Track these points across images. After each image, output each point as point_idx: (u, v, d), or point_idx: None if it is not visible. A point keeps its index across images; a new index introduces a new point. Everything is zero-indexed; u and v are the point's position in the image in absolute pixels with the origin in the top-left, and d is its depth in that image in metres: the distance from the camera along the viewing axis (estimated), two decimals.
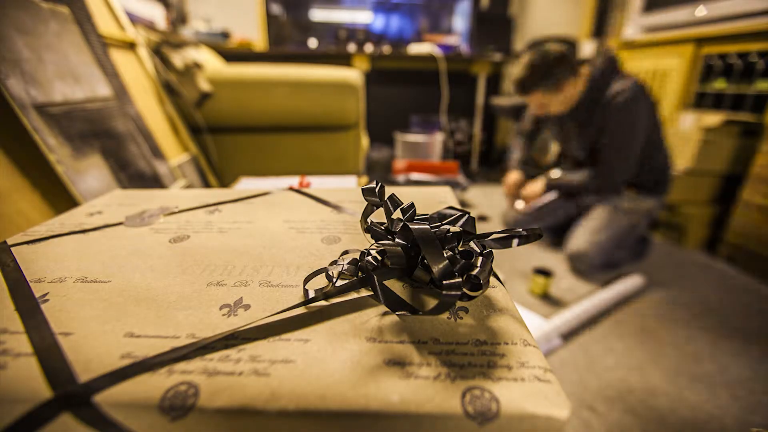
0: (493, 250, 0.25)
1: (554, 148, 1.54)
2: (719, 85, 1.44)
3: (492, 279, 0.23)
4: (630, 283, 1.13)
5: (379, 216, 0.33)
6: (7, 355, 0.17)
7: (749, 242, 1.25)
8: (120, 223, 0.32)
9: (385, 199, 0.23)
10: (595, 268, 1.19)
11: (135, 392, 0.15)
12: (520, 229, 0.20)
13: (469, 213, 0.22)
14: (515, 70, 1.18)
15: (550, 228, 1.44)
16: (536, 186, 1.31)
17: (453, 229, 0.22)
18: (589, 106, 1.16)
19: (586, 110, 1.18)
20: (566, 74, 1.12)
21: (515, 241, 0.20)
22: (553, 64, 1.11)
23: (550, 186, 1.29)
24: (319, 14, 2.56)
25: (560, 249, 1.37)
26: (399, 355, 0.17)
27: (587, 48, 2.23)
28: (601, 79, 1.14)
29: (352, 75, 1.16)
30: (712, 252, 1.39)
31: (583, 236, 1.22)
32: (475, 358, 0.17)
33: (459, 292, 0.17)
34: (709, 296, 1.12)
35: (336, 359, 0.17)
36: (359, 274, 0.23)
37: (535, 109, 1.24)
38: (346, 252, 0.26)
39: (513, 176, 1.43)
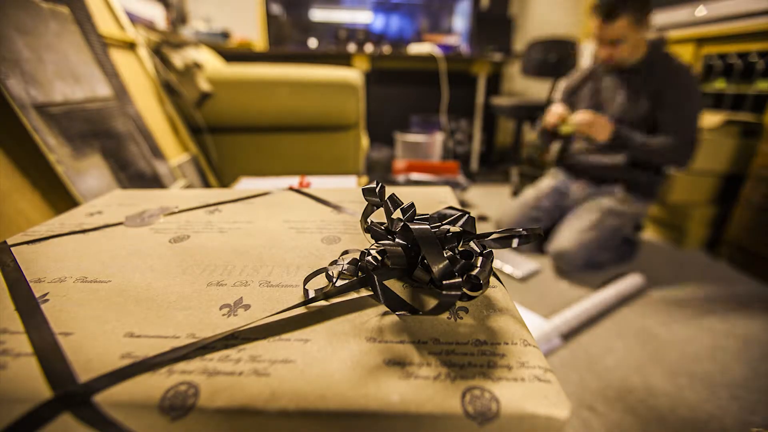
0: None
1: (555, 147, 1.48)
2: (719, 85, 1.44)
3: (492, 279, 0.23)
4: (630, 282, 1.13)
5: (378, 216, 0.33)
6: (7, 354, 0.17)
7: (749, 242, 1.25)
8: (120, 223, 0.32)
9: (386, 199, 0.23)
10: (578, 267, 1.18)
11: (135, 392, 0.15)
12: (520, 229, 0.20)
13: (469, 213, 0.22)
14: None
15: (544, 230, 1.41)
16: (603, 119, 1.13)
17: (453, 229, 0.22)
18: (647, 72, 1.10)
19: (643, 75, 1.11)
20: (650, 8, 1.04)
21: (515, 241, 0.20)
22: None
23: (619, 133, 1.11)
24: (319, 14, 2.56)
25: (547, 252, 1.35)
26: (399, 355, 0.17)
27: (587, 48, 2.23)
28: (662, 48, 1.10)
29: (352, 75, 1.16)
30: (712, 252, 1.39)
31: (567, 234, 1.20)
32: (475, 358, 0.17)
33: (459, 292, 0.17)
34: (709, 296, 1.12)
35: (336, 359, 0.17)
36: (359, 274, 0.23)
37: (603, 49, 1.12)
38: (346, 252, 0.26)
39: (558, 107, 1.25)
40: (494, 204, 1.91)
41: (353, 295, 0.21)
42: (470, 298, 0.20)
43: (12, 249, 0.27)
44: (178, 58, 1.06)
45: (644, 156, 1.13)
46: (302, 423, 0.14)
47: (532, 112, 2.00)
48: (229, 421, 0.15)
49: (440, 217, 0.23)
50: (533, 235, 0.20)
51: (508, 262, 1.24)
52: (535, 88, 2.42)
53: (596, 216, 1.19)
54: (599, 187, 1.27)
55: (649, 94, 1.11)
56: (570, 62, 1.95)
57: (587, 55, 2.21)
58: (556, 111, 1.24)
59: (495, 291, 0.22)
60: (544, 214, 1.36)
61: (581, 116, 1.15)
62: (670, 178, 1.28)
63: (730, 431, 0.69)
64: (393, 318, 0.19)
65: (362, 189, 0.24)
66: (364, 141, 1.43)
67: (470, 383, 0.15)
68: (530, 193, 1.40)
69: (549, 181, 1.39)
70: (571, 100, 1.32)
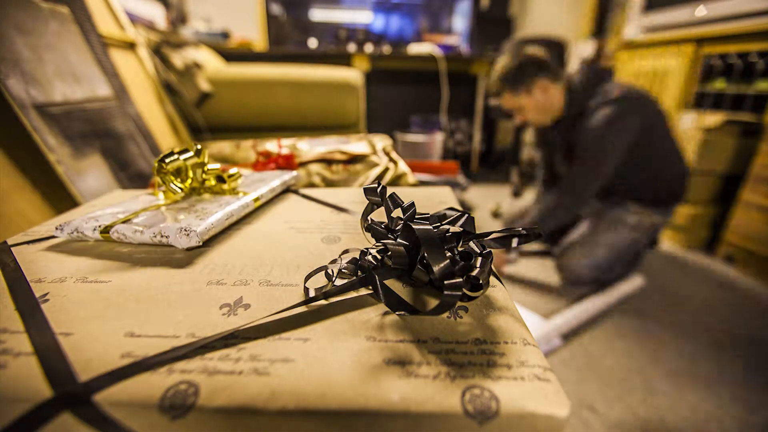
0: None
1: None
2: (719, 85, 1.44)
3: (492, 279, 0.23)
4: (630, 283, 1.13)
5: (377, 216, 0.33)
6: (8, 354, 0.17)
7: (749, 242, 1.25)
8: None
9: (386, 198, 0.23)
10: (585, 284, 1.14)
11: (135, 391, 0.15)
12: (520, 228, 0.20)
13: (468, 213, 0.22)
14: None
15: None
16: (498, 257, 1.19)
17: (453, 229, 0.22)
18: (573, 121, 1.08)
19: (570, 125, 1.09)
20: (536, 76, 1.04)
21: (515, 241, 0.20)
22: (520, 63, 1.04)
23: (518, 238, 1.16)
24: (319, 14, 2.56)
25: (552, 255, 1.31)
26: (399, 354, 0.17)
27: (587, 48, 2.23)
28: (582, 93, 1.06)
29: (352, 75, 1.16)
30: (712, 252, 1.39)
31: (579, 249, 1.14)
32: (474, 357, 0.17)
33: (460, 293, 0.17)
34: (709, 296, 1.12)
35: (336, 358, 0.17)
36: (359, 273, 0.23)
37: (515, 115, 1.16)
38: (346, 251, 0.26)
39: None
40: (494, 204, 1.91)
41: (353, 294, 0.21)
42: (470, 298, 0.20)
43: (12, 249, 0.27)
44: (178, 58, 1.06)
45: (557, 223, 1.11)
46: (302, 422, 0.15)
47: None
48: (228, 420, 0.15)
49: (440, 217, 0.23)
50: (533, 234, 0.20)
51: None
52: None
53: (610, 231, 1.12)
54: (611, 204, 1.18)
55: (571, 142, 1.11)
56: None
57: (587, 55, 2.21)
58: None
59: (495, 290, 0.22)
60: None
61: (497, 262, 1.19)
62: (687, 181, 1.14)
63: (729, 431, 0.69)
64: (393, 317, 0.19)
65: (364, 188, 0.24)
66: None
67: (470, 382, 0.15)
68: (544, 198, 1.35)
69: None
70: (546, 143, 1.31)
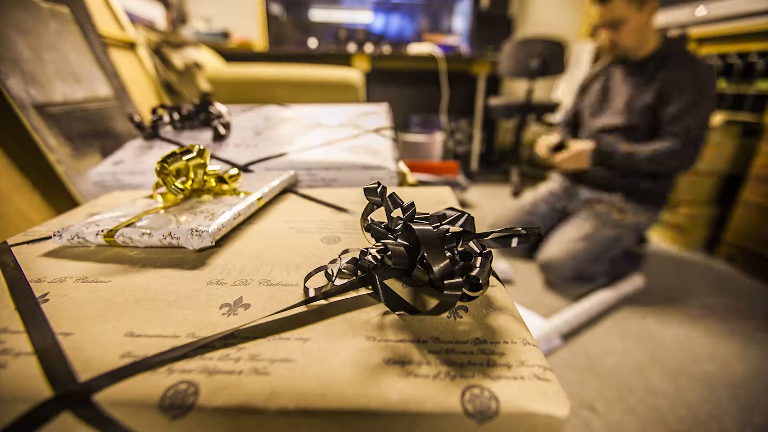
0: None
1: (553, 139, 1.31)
2: (719, 85, 1.44)
3: (491, 278, 0.23)
4: (630, 283, 1.13)
5: (376, 216, 0.33)
6: (8, 354, 0.17)
7: (749, 242, 1.25)
8: None
9: (386, 198, 0.23)
10: (566, 279, 1.10)
11: (135, 391, 0.15)
12: (520, 228, 0.20)
13: (468, 213, 0.22)
14: None
15: (539, 237, 1.34)
16: (577, 149, 1.10)
17: (453, 229, 0.22)
18: (656, 65, 1.03)
19: (652, 68, 1.04)
20: None
21: (514, 241, 0.20)
22: None
23: (602, 150, 1.08)
24: (319, 14, 2.56)
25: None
26: (399, 353, 0.17)
27: (587, 48, 2.23)
28: (679, 44, 1.02)
29: (352, 75, 1.16)
30: (712, 252, 1.39)
31: (557, 244, 1.13)
32: (474, 356, 0.17)
33: (459, 293, 0.17)
34: (708, 296, 1.12)
35: (336, 358, 0.17)
36: (358, 273, 0.23)
37: (603, 34, 1.06)
38: (346, 251, 0.26)
39: (547, 139, 1.23)
40: (495, 204, 1.91)
41: (353, 294, 0.21)
42: (470, 298, 0.20)
43: (12, 249, 0.27)
44: (178, 58, 1.06)
45: (637, 166, 1.06)
46: (302, 421, 0.15)
47: (524, 111, 1.99)
48: (229, 420, 0.15)
49: (440, 217, 0.23)
50: (532, 234, 0.20)
51: None
52: (536, 88, 2.42)
53: (589, 225, 1.12)
54: (599, 194, 1.18)
55: (655, 89, 1.03)
56: (557, 66, 1.87)
57: (586, 54, 2.21)
58: (544, 143, 1.22)
59: (494, 290, 0.22)
60: (540, 220, 1.29)
61: (558, 159, 1.15)
62: (676, 183, 1.17)
63: (730, 431, 0.69)
64: (393, 317, 0.19)
65: (364, 189, 0.24)
66: None
67: (470, 382, 0.15)
68: (528, 197, 1.35)
69: (547, 185, 1.34)
70: (582, 98, 1.27)
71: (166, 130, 0.55)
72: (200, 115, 0.55)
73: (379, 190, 0.23)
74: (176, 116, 0.54)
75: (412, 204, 0.23)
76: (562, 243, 1.12)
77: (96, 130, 0.65)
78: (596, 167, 1.11)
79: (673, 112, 1.01)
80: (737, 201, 1.28)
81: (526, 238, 0.20)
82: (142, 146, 0.51)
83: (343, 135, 0.52)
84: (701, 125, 1.00)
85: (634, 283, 1.14)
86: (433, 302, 0.21)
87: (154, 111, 0.54)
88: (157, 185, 0.34)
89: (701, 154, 1.04)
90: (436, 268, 0.18)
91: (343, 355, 0.17)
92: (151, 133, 0.52)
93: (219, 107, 0.55)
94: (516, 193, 2.00)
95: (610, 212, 1.12)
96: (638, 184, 1.11)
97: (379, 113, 0.62)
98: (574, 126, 1.32)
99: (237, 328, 0.18)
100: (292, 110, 0.63)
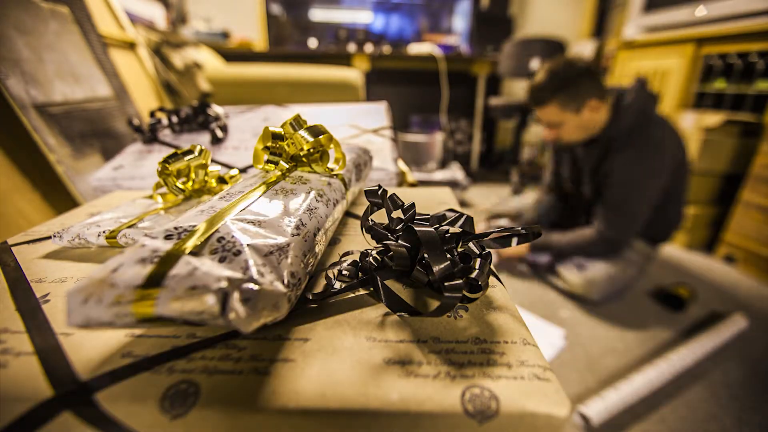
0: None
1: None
2: (719, 85, 1.44)
3: (491, 279, 0.23)
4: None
5: (375, 217, 0.33)
6: (8, 354, 0.17)
7: (749, 242, 1.25)
8: None
9: (386, 199, 0.23)
10: (607, 298, 1.08)
11: (136, 391, 0.15)
12: (519, 228, 0.20)
13: (467, 214, 0.22)
14: (535, 77, 1.00)
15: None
16: (518, 247, 1.13)
17: (452, 230, 0.22)
18: (605, 143, 1.01)
19: (605, 146, 1.01)
20: (590, 93, 0.94)
21: (514, 240, 0.20)
22: (578, 75, 0.94)
23: (534, 247, 1.13)
24: (319, 14, 2.56)
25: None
26: (399, 353, 0.17)
27: (587, 48, 2.23)
28: (629, 115, 0.97)
29: (352, 75, 1.16)
30: (712, 252, 1.39)
31: (569, 274, 1.08)
32: (474, 356, 0.17)
33: (460, 294, 0.17)
34: (708, 296, 1.12)
35: (336, 358, 0.17)
36: (359, 275, 0.23)
37: (545, 131, 1.06)
38: (347, 253, 0.26)
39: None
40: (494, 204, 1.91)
41: (353, 295, 0.21)
42: (470, 299, 0.20)
43: (12, 249, 0.27)
44: (178, 58, 1.06)
45: (568, 254, 1.09)
46: (302, 421, 0.15)
47: (524, 111, 1.99)
48: (229, 420, 0.15)
49: (439, 218, 0.23)
50: (532, 233, 0.20)
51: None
52: None
53: (612, 267, 1.06)
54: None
55: (607, 168, 1.01)
56: None
57: (586, 54, 2.21)
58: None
59: (494, 290, 0.22)
60: (546, 225, 1.32)
61: (503, 252, 1.19)
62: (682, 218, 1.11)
63: (730, 431, 0.69)
64: (393, 317, 0.19)
65: (365, 191, 0.24)
66: None
67: (470, 382, 0.15)
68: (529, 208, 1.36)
69: (535, 195, 1.35)
70: (557, 160, 1.27)
71: (165, 134, 0.55)
72: (198, 118, 0.55)
73: (379, 192, 0.23)
74: (174, 119, 0.54)
75: (413, 205, 0.23)
76: (595, 264, 1.06)
77: (96, 130, 0.65)
78: (533, 249, 1.16)
79: (605, 198, 1.02)
80: (737, 201, 1.28)
81: (526, 238, 0.20)
82: (141, 150, 0.51)
83: (342, 135, 0.52)
84: (628, 214, 0.99)
85: (738, 323, 0.98)
86: (432, 303, 0.21)
87: (152, 114, 0.54)
88: (158, 185, 0.34)
89: (631, 235, 1.03)
90: (436, 270, 0.18)
91: (343, 355, 0.17)
92: (149, 137, 0.52)
93: (217, 109, 0.55)
94: (516, 193, 2.00)
95: (632, 254, 1.09)
96: (650, 231, 1.09)
97: (379, 112, 0.62)
98: (558, 188, 1.32)
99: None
100: (290, 111, 0.63)
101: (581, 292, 1.05)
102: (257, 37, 2.41)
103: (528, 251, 1.16)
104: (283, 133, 0.27)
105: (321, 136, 0.26)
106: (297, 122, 0.26)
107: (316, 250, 0.21)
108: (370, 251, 0.22)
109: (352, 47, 2.27)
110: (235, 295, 0.14)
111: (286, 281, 0.17)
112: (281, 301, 0.16)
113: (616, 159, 0.98)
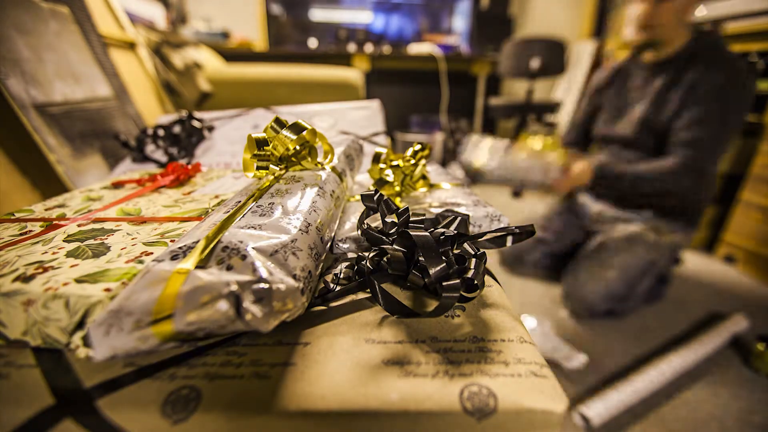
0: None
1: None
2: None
3: (487, 278, 0.23)
4: (735, 324, 0.94)
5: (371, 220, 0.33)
6: (11, 361, 0.17)
7: (749, 242, 1.25)
8: None
9: (381, 203, 0.23)
10: (597, 315, 0.97)
11: (137, 397, 0.15)
12: (514, 227, 0.20)
13: (461, 215, 0.22)
14: None
15: (553, 255, 1.17)
16: (580, 169, 0.95)
17: (447, 232, 0.22)
18: (683, 64, 0.92)
19: (679, 66, 0.92)
20: None
21: (509, 240, 0.20)
22: None
23: (601, 174, 0.95)
24: (319, 14, 2.56)
25: (558, 282, 1.13)
26: (397, 354, 0.17)
27: (587, 48, 2.23)
28: (710, 38, 0.90)
29: (352, 75, 1.16)
30: (712, 252, 1.39)
31: (586, 274, 0.97)
32: (472, 354, 0.17)
33: (457, 294, 0.17)
34: (708, 296, 1.12)
35: (335, 360, 0.17)
36: (356, 277, 0.23)
37: (641, 8, 0.92)
38: (344, 257, 0.26)
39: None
40: (495, 204, 1.91)
41: (351, 298, 0.21)
42: (467, 299, 0.21)
43: None
44: (178, 58, 1.06)
45: (639, 188, 0.94)
46: (303, 423, 0.15)
47: (524, 111, 1.99)
48: (230, 423, 0.15)
49: (433, 221, 0.23)
50: (525, 233, 0.20)
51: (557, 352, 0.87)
52: (536, 88, 2.42)
53: (626, 247, 0.96)
54: (623, 211, 1.04)
55: (679, 97, 0.91)
56: (557, 66, 1.87)
57: (586, 54, 2.21)
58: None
59: (490, 289, 0.22)
60: (553, 236, 1.15)
61: (556, 183, 0.98)
62: (712, 194, 1.02)
63: (730, 431, 0.70)
64: (391, 319, 0.19)
65: (361, 195, 0.24)
66: None
67: (468, 380, 0.15)
68: (539, 209, 1.21)
69: (557, 199, 1.21)
70: (597, 100, 1.13)
71: (151, 149, 0.54)
72: (181, 134, 0.54)
73: (375, 197, 0.23)
74: (161, 132, 0.53)
75: (407, 209, 0.23)
76: (592, 272, 0.97)
77: (96, 130, 0.65)
78: (594, 186, 0.99)
79: (686, 121, 0.90)
80: (737, 201, 1.28)
81: (520, 237, 0.20)
82: (131, 169, 0.50)
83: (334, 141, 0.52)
84: (716, 137, 0.88)
85: (739, 324, 0.94)
86: (430, 304, 0.21)
87: (143, 131, 0.53)
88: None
89: (713, 167, 0.92)
90: (432, 272, 0.18)
91: (342, 357, 0.17)
92: (138, 155, 0.51)
93: (198, 122, 0.55)
94: (516, 194, 2.00)
95: (644, 233, 0.97)
96: (670, 200, 0.98)
97: (373, 113, 0.61)
98: (584, 135, 1.19)
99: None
100: (281, 114, 0.62)
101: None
102: (257, 37, 2.41)
103: (591, 178, 0.96)
104: (266, 137, 0.26)
105: (304, 132, 0.26)
106: (278, 123, 0.26)
107: (323, 240, 0.22)
108: (366, 255, 0.22)
109: (352, 47, 2.27)
110: (248, 297, 0.14)
111: (296, 275, 0.17)
112: (295, 295, 0.16)
113: (702, 73, 0.89)
